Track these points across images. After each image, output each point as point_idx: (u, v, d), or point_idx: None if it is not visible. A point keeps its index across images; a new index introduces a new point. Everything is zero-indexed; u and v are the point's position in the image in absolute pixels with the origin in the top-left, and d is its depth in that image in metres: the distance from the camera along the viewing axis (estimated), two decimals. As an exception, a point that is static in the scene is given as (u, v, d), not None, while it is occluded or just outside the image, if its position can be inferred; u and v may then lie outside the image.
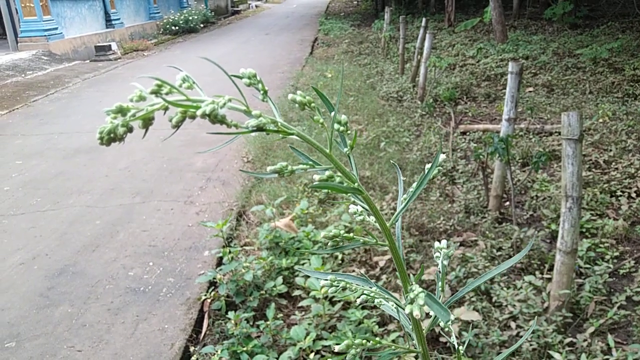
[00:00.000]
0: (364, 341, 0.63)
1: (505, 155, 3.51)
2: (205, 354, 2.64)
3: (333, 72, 8.66)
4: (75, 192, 4.77)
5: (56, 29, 12.56)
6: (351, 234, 0.59)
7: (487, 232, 3.51)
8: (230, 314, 2.74)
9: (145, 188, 4.80)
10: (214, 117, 0.42)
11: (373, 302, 0.64)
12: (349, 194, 0.55)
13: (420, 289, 0.55)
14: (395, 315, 0.65)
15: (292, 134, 0.50)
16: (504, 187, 3.83)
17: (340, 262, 3.31)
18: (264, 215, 3.89)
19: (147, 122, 0.40)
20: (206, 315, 3.02)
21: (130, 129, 0.40)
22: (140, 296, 3.19)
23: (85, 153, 5.80)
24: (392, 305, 0.64)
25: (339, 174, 0.54)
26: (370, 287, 0.63)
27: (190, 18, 17.57)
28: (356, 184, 0.54)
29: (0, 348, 2.77)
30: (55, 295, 3.22)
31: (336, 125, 0.56)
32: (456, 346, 0.73)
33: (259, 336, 2.71)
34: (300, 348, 2.52)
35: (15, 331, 2.90)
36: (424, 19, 7.71)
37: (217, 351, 2.56)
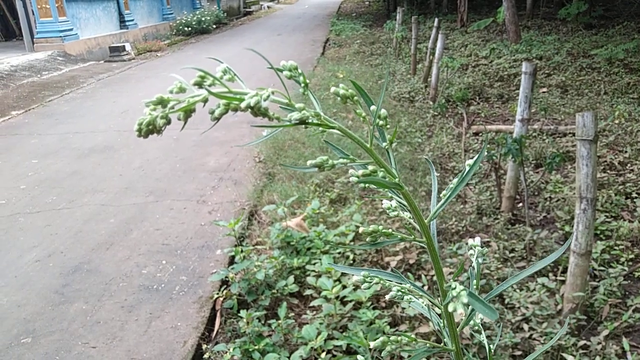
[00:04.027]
0: (400, 338, 0.64)
1: (519, 156, 3.49)
2: (218, 352, 2.65)
3: (344, 73, 8.66)
4: (89, 190, 4.82)
5: (71, 30, 12.72)
6: (390, 230, 0.60)
7: (499, 234, 3.48)
8: (242, 313, 2.76)
9: (158, 187, 4.85)
10: (257, 110, 0.42)
11: (402, 298, 0.64)
12: (386, 190, 0.55)
13: (462, 287, 0.55)
14: (425, 313, 0.66)
15: (334, 128, 0.51)
16: (517, 188, 3.81)
17: (351, 262, 3.31)
18: (275, 215, 3.90)
19: (188, 113, 0.41)
20: (218, 314, 3.05)
21: (169, 121, 0.41)
22: (153, 294, 3.22)
23: (99, 152, 5.86)
24: (423, 303, 0.64)
25: (377, 168, 0.55)
26: (404, 284, 0.64)
27: (203, 19, 17.68)
28: (397, 179, 0.55)
29: (17, 344, 2.81)
30: (70, 292, 3.26)
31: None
32: (486, 345, 0.73)
33: (270, 335, 2.72)
34: (312, 347, 2.52)
35: (31, 327, 2.94)
36: (436, 19, 7.68)
37: (229, 349, 2.58)
